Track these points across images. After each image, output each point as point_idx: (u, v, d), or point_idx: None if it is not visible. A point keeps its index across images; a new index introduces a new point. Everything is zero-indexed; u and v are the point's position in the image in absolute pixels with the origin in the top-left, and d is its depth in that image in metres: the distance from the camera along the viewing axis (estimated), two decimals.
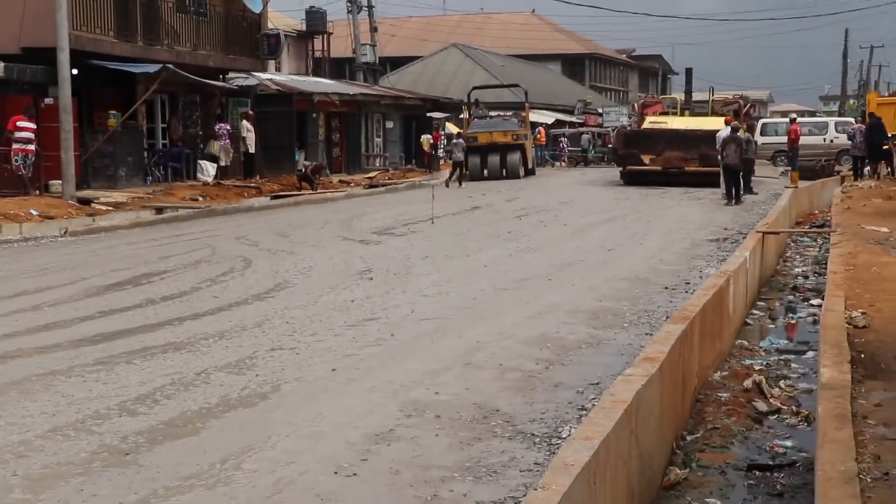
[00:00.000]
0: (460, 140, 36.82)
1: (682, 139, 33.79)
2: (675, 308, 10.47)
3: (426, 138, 43.65)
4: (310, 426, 7.01)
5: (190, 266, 15.20)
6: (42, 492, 5.86)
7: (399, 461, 6.30)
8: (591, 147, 54.03)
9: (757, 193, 28.38)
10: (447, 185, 34.06)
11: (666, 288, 12.85)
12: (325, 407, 7.46)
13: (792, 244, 19.84)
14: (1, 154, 22.96)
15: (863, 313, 9.14)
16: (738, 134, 26.72)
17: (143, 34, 27.67)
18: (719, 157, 26.68)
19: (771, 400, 8.63)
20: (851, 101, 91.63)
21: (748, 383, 8.99)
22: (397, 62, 66.86)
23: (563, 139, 54.93)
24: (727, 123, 28.81)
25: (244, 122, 31.44)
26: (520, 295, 12.35)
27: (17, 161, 22.63)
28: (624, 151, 34.42)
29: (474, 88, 43.56)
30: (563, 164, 51.68)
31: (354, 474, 6.07)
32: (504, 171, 38.72)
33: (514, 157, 39.06)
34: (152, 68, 26.68)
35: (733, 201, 25.73)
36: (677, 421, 7.60)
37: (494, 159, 38.62)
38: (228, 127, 31.59)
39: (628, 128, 40.71)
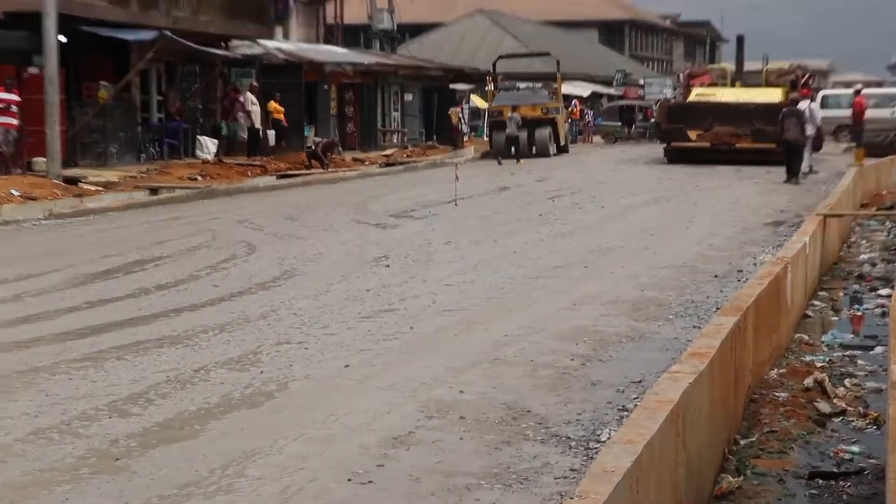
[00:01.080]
0: (515, 114, 37.09)
1: (733, 113, 33.69)
2: (725, 298, 10.44)
3: (455, 111, 43.71)
4: (320, 428, 7.00)
5: (188, 252, 15.24)
6: (23, 501, 5.85)
7: (419, 467, 6.27)
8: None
9: (818, 172, 28.23)
10: (517, 162, 35.49)
11: (716, 276, 12.82)
12: (337, 407, 7.44)
13: (857, 228, 19.69)
14: None
15: None
16: (799, 106, 26.55)
17: None
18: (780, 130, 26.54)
19: (835, 400, 8.55)
20: None
21: (809, 382, 8.91)
22: (417, 29, 66.88)
23: (588, 112, 54.63)
24: (793, 99, 28.57)
25: (248, 94, 31.50)
26: (553, 284, 12.34)
27: None
28: (668, 126, 34.34)
29: (500, 57, 43.50)
30: (590, 140, 51.35)
31: (370, 482, 6.04)
32: (533, 148, 38.69)
33: (544, 133, 39.08)
34: (147, 35, 26.69)
35: (792, 180, 25.59)
36: (729, 423, 7.54)
37: (522, 135, 38.64)
38: (243, 99, 31.63)
39: (673, 100, 40.59)
